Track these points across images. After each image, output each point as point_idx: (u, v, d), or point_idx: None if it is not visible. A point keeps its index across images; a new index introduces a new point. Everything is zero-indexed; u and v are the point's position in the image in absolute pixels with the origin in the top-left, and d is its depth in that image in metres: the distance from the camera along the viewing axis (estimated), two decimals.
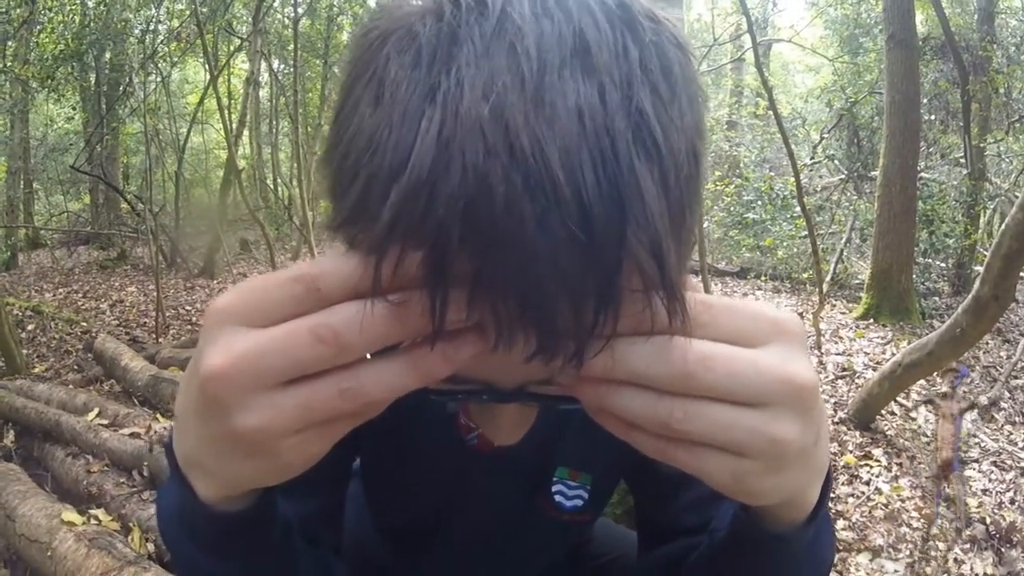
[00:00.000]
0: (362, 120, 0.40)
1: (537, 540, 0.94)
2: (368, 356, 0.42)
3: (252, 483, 0.49)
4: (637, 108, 0.38)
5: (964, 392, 4.78)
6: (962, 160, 8.47)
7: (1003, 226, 3.38)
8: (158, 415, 3.49)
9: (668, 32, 0.43)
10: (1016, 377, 5.28)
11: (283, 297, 0.41)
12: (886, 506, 3.45)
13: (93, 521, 2.51)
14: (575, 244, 0.36)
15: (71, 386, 4.37)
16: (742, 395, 0.42)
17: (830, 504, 0.57)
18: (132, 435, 3.11)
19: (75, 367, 5.36)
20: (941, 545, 3.19)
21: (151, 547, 2.39)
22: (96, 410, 3.46)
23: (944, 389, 3.11)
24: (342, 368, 0.41)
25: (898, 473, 3.80)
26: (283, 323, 0.41)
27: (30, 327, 6.48)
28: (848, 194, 10.13)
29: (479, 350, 0.41)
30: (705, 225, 8.56)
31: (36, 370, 5.23)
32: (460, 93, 0.37)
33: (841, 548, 3.09)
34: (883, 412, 4.35)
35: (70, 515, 2.41)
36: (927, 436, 4.21)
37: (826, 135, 10.73)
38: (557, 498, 0.88)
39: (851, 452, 3.99)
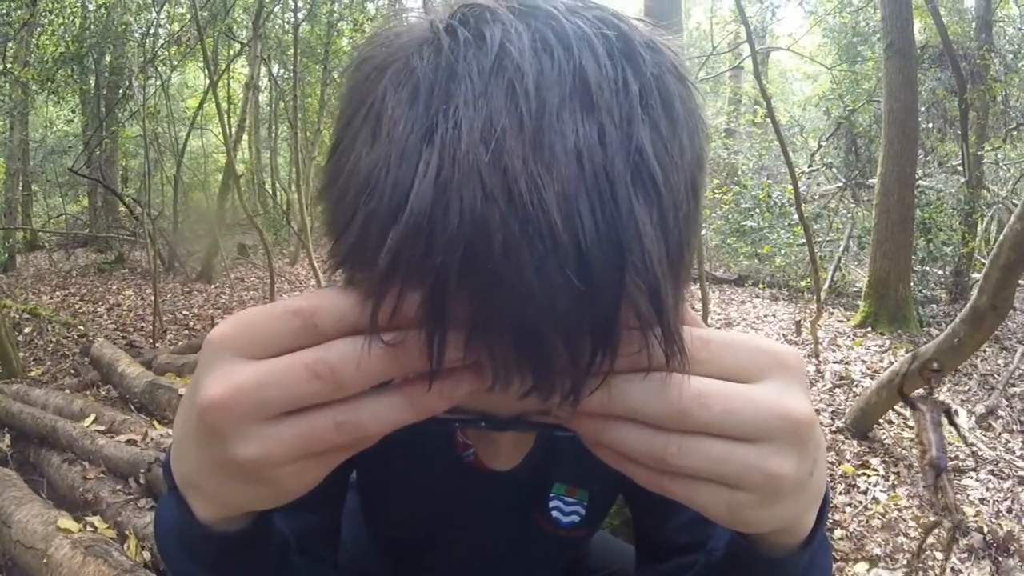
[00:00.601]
0: (359, 158, 0.40)
1: (534, 555, 0.94)
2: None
3: (249, 507, 0.50)
4: (637, 148, 0.38)
5: (941, 391, 4.76)
6: (960, 168, 8.50)
7: (1001, 236, 3.40)
8: (155, 422, 3.48)
9: (669, 63, 0.43)
10: (1014, 385, 5.28)
11: (281, 330, 0.42)
12: (883, 515, 3.45)
13: (89, 528, 2.49)
14: (572, 290, 0.36)
15: (67, 391, 4.36)
16: (738, 431, 0.42)
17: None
18: (128, 442, 3.10)
19: (72, 371, 5.35)
20: (938, 555, 3.19)
21: (147, 555, 2.37)
22: (92, 416, 3.45)
23: (922, 391, 3.11)
24: (339, 401, 0.42)
25: (895, 482, 3.80)
26: (281, 356, 0.41)
27: (27, 330, 6.46)
28: (846, 202, 10.16)
29: (475, 388, 0.42)
30: (703, 233, 8.57)
31: (33, 374, 5.22)
32: (458, 135, 0.37)
33: (838, 558, 3.08)
34: (881, 421, 4.35)
35: (66, 522, 2.40)
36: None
37: (824, 143, 10.77)
38: (554, 514, 0.88)
39: (848, 461, 3.99)
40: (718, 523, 0.47)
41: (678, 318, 0.41)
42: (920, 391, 3.17)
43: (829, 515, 3.31)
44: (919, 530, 3.32)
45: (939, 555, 3.18)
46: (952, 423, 4.11)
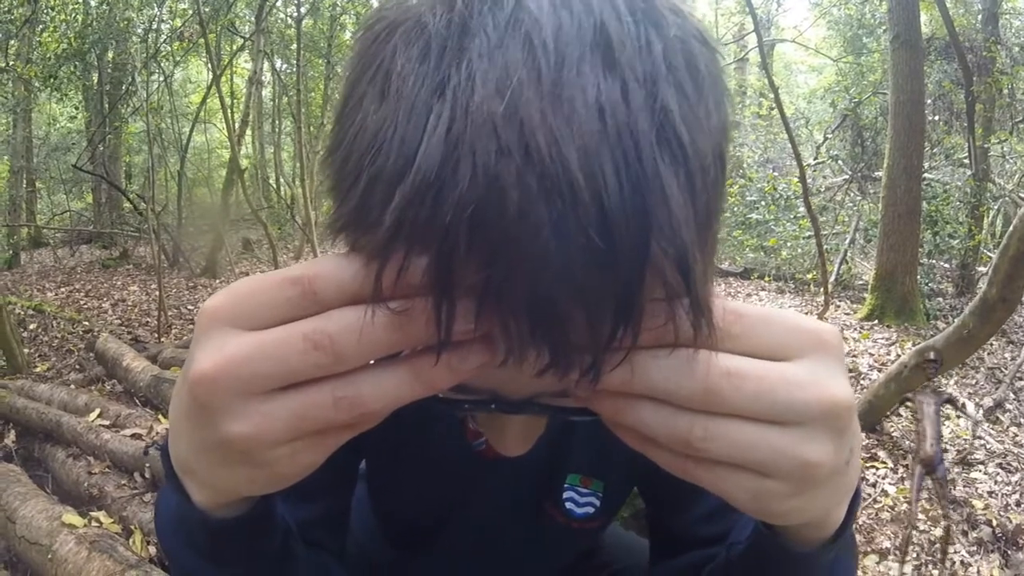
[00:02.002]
0: (366, 117, 0.38)
1: (545, 547, 0.92)
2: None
3: (245, 492, 0.47)
4: (662, 106, 0.35)
5: (939, 382, 4.73)
6: (966, 161, 8.46)
7: (1011, 228, 3.36)
8: (160, 416, 3.47)
9: (693, 27, 0.40)
10: (1021, 378, 5.25)
11: (277, 299, 0.39)
12: (892, 508, 3.43)
13: (94, 523, 2.49)
14: (594, 254, 0.33)
15: (72, 386, 4.35)
16: (771, 414, 0.40)
17: None
18: (134, 436, 3.10)
19: (77, 367, 5.34)
20: (949, 548, 3.17)
21: (152, 550, 2.37)
22: (97, 411, 3.45)
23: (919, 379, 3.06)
24: (338, 375, 0.39)
25: (904, 475, 3.77)
26: (277, 327, 0.39)
27: (32, 326, 6.46)
28: (852, 194, 10.12)
29: (487, 362, 0.39)
30: None
31: (38, 369, 5.22)
32: (471, 88, 0.34)
33: None
34: (889, 414, 4.33)
35: (71, 517, 2.40)
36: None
37: (830, 135, 10.73)
38: (568, 505, 0.86)
39: None
40: (744, 512, 0.45)
41: (707, 289, 0.38)
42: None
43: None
44: (928, 523, 3.30)
45: (949, 548, 3.16)
46: (958, 410, 4.09)
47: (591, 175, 0.33)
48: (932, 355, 3.29)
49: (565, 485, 0.85)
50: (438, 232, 0.34)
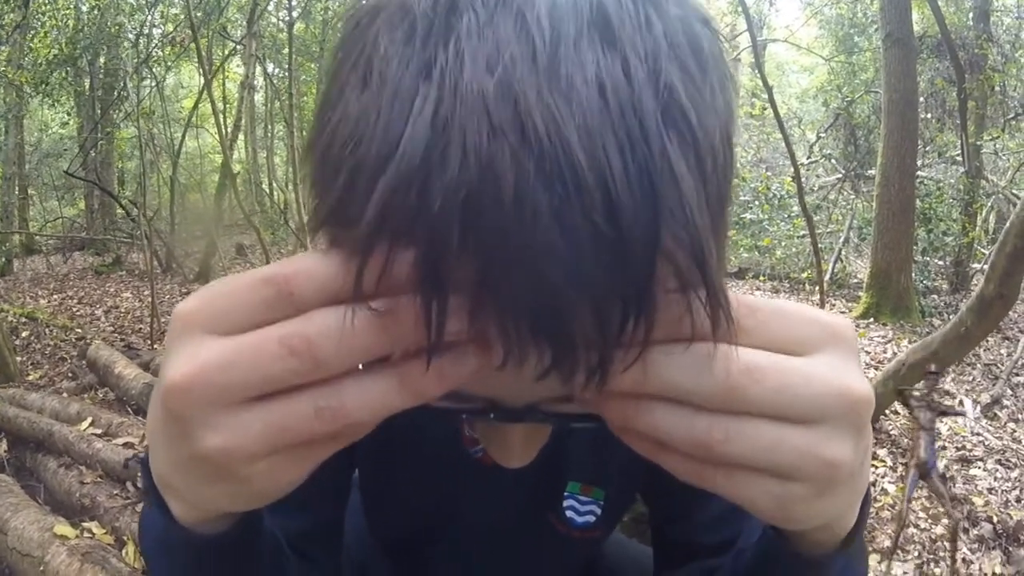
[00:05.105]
0: (347, 105, 0.35)
1: (545, 556, 0.90)
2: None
3: (225, 508, 0.44)
4: (666, 84, 0.33)
5: (939, 395, 4.72)
6: (959, 158, 8.48)
7: (1007, 224, 3.37)
8: None
9: (693, 8, 0.38)
10: (1017, 374, 5.27)
11: (253, 301, 0.36)
12: (892, 507, 3.41)
13: (87, 534, 2.46)
14: (600, 242, 0.30)
15: (65, 394, 4.31)
16: (792, 411, 0.37)
17: None
18: (126, 445, 3.06)
19: (69, 375, 5.30)
20: (949, 545, 3.15)
21: None
22: (89, 419, 3.41)
23: (921, 390, 3.04)
24: (320, 384, 0.36)
25: (903, 473, 3.76)
26: (252, 331, 0.36)
27: (25, 334, 6.41)
28: (845, 193, 10.15)
29: (483, 366, 0.36)
30: None
31: (30, 378, 5.18)
32: (460, 66, 0.31)
33: None
34: (887, 412, 4.32)
35: (63, 528, 2.37)
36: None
37: (823, 134, 10.75)
38: (568, 514, 0.83)
39: None
40: (764, 519, 0.42)
41: (722, 279, 0.36)
42: (919, 387, 3.15)
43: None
44: (929, 521, 3.29)
45: (949, 545, 3.15)
46: (946, 414, 4.08)
47: (594, 156, 0.30)
48: (933, 367, 3.27)
49: (566, 493, 0.83)
50: (426, 223, 0.31)
